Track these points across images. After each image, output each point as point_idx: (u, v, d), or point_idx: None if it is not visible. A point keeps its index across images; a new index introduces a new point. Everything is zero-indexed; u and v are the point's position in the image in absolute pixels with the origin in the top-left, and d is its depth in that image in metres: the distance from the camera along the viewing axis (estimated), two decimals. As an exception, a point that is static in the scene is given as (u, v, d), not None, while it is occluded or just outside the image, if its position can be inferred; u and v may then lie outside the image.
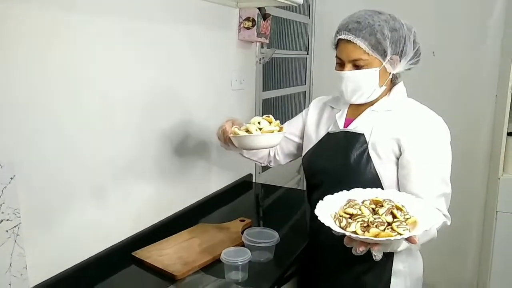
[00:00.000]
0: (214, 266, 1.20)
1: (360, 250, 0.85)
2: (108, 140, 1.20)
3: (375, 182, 1.08)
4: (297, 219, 1.63)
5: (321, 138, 1.23)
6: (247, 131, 1.14)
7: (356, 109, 1.18)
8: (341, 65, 1.13)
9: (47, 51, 1.00)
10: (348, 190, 0.99)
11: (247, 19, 1.76)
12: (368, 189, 0.99)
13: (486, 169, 2.37)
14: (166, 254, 1.25)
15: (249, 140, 1.13)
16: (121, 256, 1.24)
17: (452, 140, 1.09)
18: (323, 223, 0.87)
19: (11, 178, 0.93)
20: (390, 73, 1.12)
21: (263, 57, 2.03)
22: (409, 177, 1.07)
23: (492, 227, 2.20)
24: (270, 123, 1.17)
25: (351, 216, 0.89)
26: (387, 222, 0.87)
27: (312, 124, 1.29)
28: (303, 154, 1.28)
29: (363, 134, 1.13)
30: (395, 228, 0.85)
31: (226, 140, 1.24)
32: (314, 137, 1.26)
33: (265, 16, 1.79)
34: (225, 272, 1.14)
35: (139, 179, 1.34)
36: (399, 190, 1.07)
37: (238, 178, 1.95)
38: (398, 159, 1.09)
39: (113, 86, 1.20)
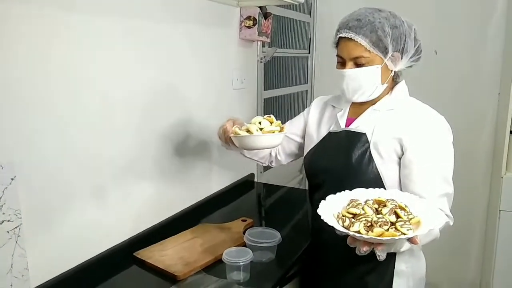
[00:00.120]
0: (215, 267, 1.20)
1: (364, 250, 0.84)
2: (108, 140, 1.20)
3: (377, 181, 1.07)
4: (299, 219, 1.62)
5: (323, 138, 1.23)
6: (248, 131, 1.14)
7: (358, 108, 1.17)
8: (342, 63, 1.12)
9: (47, 51, 0.99)
10: (350, 190, 0.99)
11: (248, 18, 1.75)
12: (371, 189, 0.99)
13: (489, 168, 2.35)
14: (168, 254, 1.25)
15: (250, 140, 1.13)
16: (122, 256, 1.24)
17: (455, 139, 1.09)
18: (326, 223, 0.86)
19: (12, 179, 0.93)
20: (391, 71, 1.11)
21: (264, 56, 2.03)
22: (411, 176, 1.06)
23: (495, 226, 2.19)
24: (271, 123, 1.16)
25: (354, 216, 0.89)
26: (390, 222, 0.86)
27: (313, 123, 1.29)
28: (305, 153, 1.28)
29: (365, 134, 1.12)
30: (399, 228, 0.84)
31: (227, 139, 1.23)
32: (315, 136, 1.26)
33: (266, 15, 1.78)
34: (226, 272, 1.14)
35: (139, 179, 1.34)
36: (401, 190, 1.06)
37: (240, 177, 1.95)
38: (400, 158, 1.09)
39: (113, 86, 1.19)
